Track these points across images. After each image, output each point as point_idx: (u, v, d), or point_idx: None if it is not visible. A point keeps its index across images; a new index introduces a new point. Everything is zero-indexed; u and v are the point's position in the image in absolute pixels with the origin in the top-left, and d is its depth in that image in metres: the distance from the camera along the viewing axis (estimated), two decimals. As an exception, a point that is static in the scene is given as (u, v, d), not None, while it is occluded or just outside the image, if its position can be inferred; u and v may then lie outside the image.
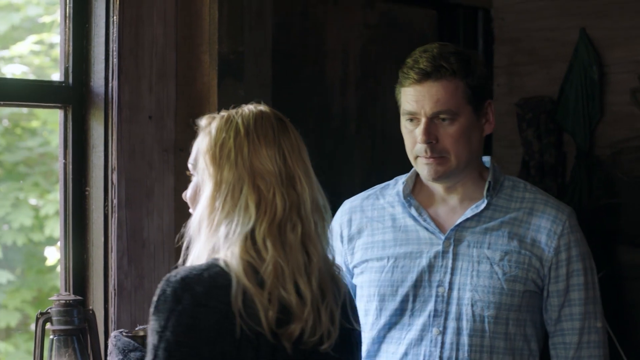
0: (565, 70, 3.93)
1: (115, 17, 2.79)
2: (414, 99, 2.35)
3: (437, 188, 2.43)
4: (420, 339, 2.36)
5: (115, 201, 2.78)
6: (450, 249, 2.38)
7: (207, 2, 2.90)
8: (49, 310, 2.55)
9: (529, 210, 2.40)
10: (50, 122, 5.41)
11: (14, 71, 5.22)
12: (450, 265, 2.37)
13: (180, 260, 1.93)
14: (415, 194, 2.46)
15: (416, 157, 2.38)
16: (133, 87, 2.82)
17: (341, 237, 2.50)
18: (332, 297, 1.90)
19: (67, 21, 2.81)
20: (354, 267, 2.47)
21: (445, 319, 2.35)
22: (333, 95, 3.64)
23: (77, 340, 2.55)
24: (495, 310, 2.34)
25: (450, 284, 2.36)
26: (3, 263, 5.34)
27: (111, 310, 2.78)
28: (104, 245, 2.79)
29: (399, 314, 2.39)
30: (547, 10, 4.00)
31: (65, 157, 2.81)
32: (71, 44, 2.80)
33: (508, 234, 2.37)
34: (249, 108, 1.96)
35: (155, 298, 1.82)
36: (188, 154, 2.00)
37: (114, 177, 2.79)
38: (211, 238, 1.88)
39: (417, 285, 2.38)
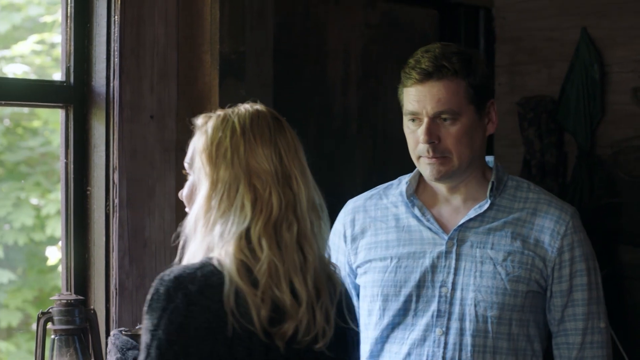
0: (567, 69, 3.93)
1: (116, 17, 2.79)
2: (415, 99, 2.35)
3: (441, 188, 2.43)
4: (423, 339, 2.36)
5: (116, 201, 2.78)
6: (454, 249, 2.38)
7: (208, 2, 2.90)
8: (51, 310, 2.56)
9: (533, 210, 2.40)
10: (51, 122, 5.41)
11: (16, 71, 5.22)
12: (453, 265, 2.37)
13: (177, 259, 1.93)
14: (419, 194, 2.46)
15: (419, 157, 2.38)
16: (134, 87, 2.82)
17: (344, 237, 2.50)
18: (327, 296, 1.90)
19: (69, 21, 2.81)
20: (358, 267, 2.47)
21: (449, 319, 2.35)
22: (334, 95, 3.64)
23: (78, 339, 2.55)
24: (499, 311, 2.33)
25: (454, 284, 2.36)
26: (4, 263, 5.34)
27: (112, 309, 2.78)
28: (106, 244, 2.79)
29: (402, 314, 2.38)
30: (549, 9, 4.00)
31: (66, 157, 2.81)
32: (72, 43, 2.80)
33: (511, 234, 2.37)
34: (245, 107, 1.96)
35: (148, 297, 1.83)
36: (189, 153, 2.00)
37: (115, 176, 2.79)
38: (207, 237, 1.88)
39: (420, 285, 2.37)
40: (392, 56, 3.77)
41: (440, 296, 2.36)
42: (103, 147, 2.80)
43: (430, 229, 2.40)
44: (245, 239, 1.85)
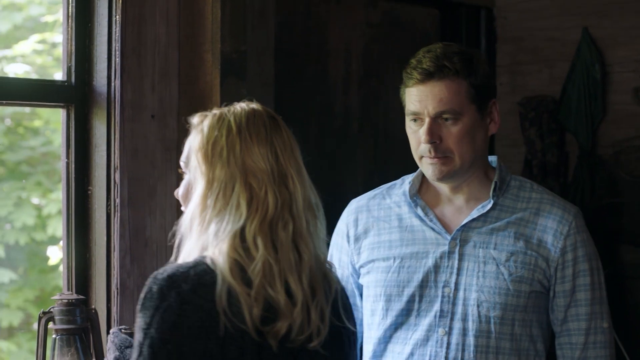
0: (568, 69, 3.93)
1: (117, 16, 2.79)
2: (417, 99, 2.34)
3: (443, 188, 2.43)
4: (426, 339, 2.36)
5: (117, 200, 2.78)
6: (456, 250, 2.38)
7: (209, 1, 2.90)
8: (52, 310, 2.56)
9: (536, 210, 2.40)
10: (52, 122, 5.41)
11: (17, 70, 5.22)
12: (456, 265, 2.37)
13: (172, 257, 1.93)
14: (422, 193, 2.45)
15: (421, 157, 2.37)
16: (135, 86, 2.82)
17: (347, 236, 2.50)
18: (322, 294, 1.90)
19: (70, 20, 2.81)
20: (361, 267, 2.47)
21: (451, 319, 2.35)
22: (335, 94, 3.64)
23: (79, 339, 2.55)
24: (501, 311, 2.33)
25: (456, 284, 2.35)
26: (5, 262, 5.34)
27: (114, 309, 2.78)
28: (107, 244, 2.79)
29: (405, 314, 2.38)
30: (550, 9, 4.00)
31: (67, 157, 2.81)
32: (74, 43, 2.80)
33: (514, 235, 2.37)
34: (241, 106, 1.96)
35: (142, 295, 1.83)
36: (191, 153, 2.00)
37: (116, 176, 2.79)
38: (202, 236, 1.88)
39: (423, 285, 2.37)
40: (394, 55, 3.77)
41: (443, 296, 2.36)
42: (104, 147, 2.80)
43: (433, 229, 2.40)
44: (240, 238, 1.86)
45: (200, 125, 1.95)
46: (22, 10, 5.34)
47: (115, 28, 2.79)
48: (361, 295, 2.48)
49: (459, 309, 2.35)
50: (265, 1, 3.02)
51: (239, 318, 1.80)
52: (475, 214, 2.38)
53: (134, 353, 1.81)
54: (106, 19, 2.80)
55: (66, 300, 2.56)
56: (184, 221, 1.92)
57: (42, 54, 5.35)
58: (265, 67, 3.03)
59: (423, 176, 2.45)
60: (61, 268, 2.92)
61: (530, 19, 4.05)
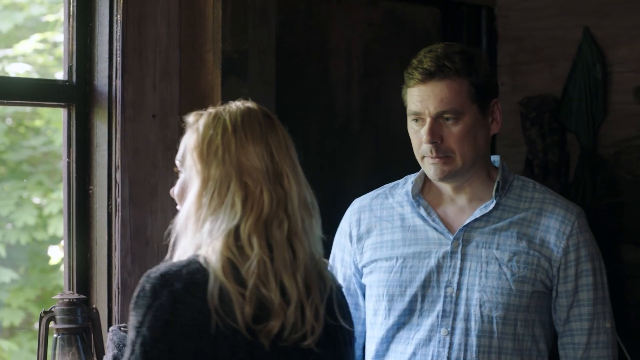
0: (569, 69, 3.93)
1: (119, 16, 2.79)
2: (418, 99, 2.34)
3: (446, 188, 2.43)
4: (428, 339, 2.36)
5: (119, 200, 2.78)
6: (459, 250, 2.37)
7: (210, 1, 2.90)
8: (53, 309, 2.56)
9: (538, 210, 2.40)
10: (53, 121, 5.41)
11: (18, 70, 5.23)
12: (458, 265, 2.37)
13: (167, 256, 1.93)
14: (424, 193, 2.45)
15: (422, 157, 2.37)
16: (137, 86, 2.82)
17: (350, 236, 2.50)
18: (317, 293, 1.90)
19: (71, 20, 2.81)
20: (363, 266, 2.47)
21: (454, 319, 2.35)
22: (336, 93, 3.64)
23: (80, 338, 2.55)
24: (504, 311, 2.33)
25: (459, 284, 2.35)
26: (7, 262, 5.34)
27: (115, 308, 2.78)
28: (108, 244, 2.79)
29: (408, 314, 2.38)
30: (551, 9, 4.00)
31: (69, 156, 2.81)
32: (75, 42, 2.80)
33: (517, 235, 2.37)
34: (236, 105, 1.96)
35: (135, 293, 1.83)
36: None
37: (117, 175, 2.79)
38: (197, 234, 1.88)
39: (425, 285, 2.37)
40: (395, 55, 3.77)
41: (445, 296, 2.36)
42: (105, 146, 2.80)
43: (435, 229, 2.40)
44: (234, 237, 1.86)
45: (195, 124, 1.95)
46: (23, 9, 5.35)
47: (117, 28, 2.79)
48: (364, 295, 2.48)
49: (462, 309, 2.35)
50: (266, 0, 3.02)
51: (231, 317, 1.80)
52: (477, 213, 2.38)
53: (127, 351, 1.81)
54: (107, 19, 2.79)
55: (67, 300, 2.56)
56: (179, 220, 1.92)
57: (43, 53, 5.35)
58: (266, 66, 3.03)
59: (425, 176, 2.45)
60: (62, 267, 2.93)
61: (531, 18, 4.05)
